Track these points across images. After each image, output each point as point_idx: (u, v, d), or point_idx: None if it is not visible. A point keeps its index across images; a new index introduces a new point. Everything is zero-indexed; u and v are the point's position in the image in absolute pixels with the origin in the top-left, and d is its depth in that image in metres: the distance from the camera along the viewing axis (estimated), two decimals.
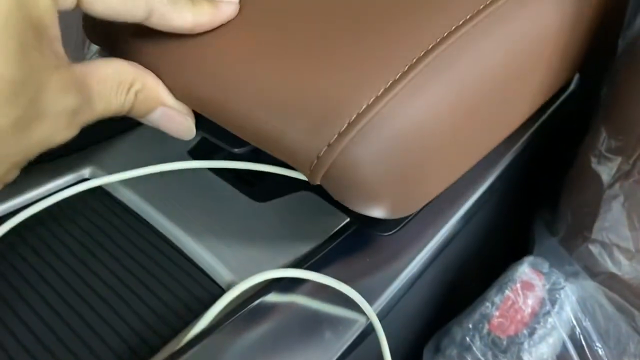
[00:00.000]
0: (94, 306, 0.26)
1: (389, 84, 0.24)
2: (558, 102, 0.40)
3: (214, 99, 0.26)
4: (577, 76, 0.41)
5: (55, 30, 0.21)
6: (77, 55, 0.50)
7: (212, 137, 0.28)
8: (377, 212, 0.26)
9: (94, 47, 0.50)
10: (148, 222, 0.30)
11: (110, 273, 0.28)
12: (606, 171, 0.35)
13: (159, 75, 0.27)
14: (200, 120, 0.27)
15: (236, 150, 0.28)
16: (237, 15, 0.28)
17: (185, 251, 0.29)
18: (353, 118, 0.23)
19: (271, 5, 0.28)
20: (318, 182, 0.24)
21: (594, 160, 0.36)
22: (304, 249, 0.29)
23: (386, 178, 0.25)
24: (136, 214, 0.31)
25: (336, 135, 0.23)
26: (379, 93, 0.23)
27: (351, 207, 0.26)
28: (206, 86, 0.26)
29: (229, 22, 0.28)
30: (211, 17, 0.26)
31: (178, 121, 0.27)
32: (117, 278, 0.28)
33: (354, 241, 0.28)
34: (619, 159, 0.34)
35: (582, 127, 0.39)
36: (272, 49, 0.26)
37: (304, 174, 0.24)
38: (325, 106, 0.23)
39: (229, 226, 0.30)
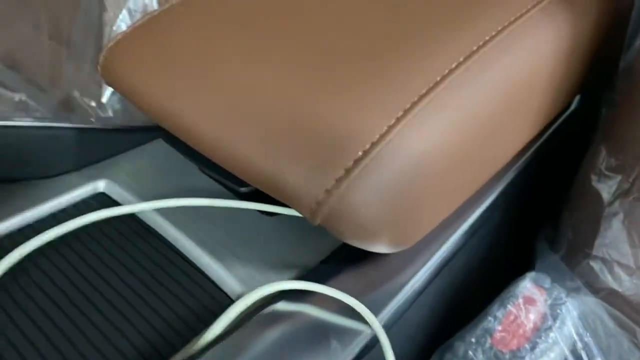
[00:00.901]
0: (107, 315, 0.27)
1: (385, 128, 0.25)
2: (559, 121, 0.41)
3: (218, 143, 0.27)
4: (577, 96, 0.42)
5: None
6: (92, 68, 0.50)
7: (219, 177, 0.29)
8: (377, 248, 0.28)
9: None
10: (160, 235, 0.31)
11: (122, 283, 0.29)
12: (606, 189, 0.36)
13: (167, 116, 0.28)
14: (208, 161, 0.28)
15: (242, 189, 0.29)
16: (240, 56, 0.29)
17: (196, 263, 0.30)
18: (350, 165, 0.24)
19: (271, 46, 0.29)
20: (318, 224, 0.25)
21: (594, 178, 0.37)
22: (311, 261, 0.30)
23: (383, 219, 0.26)
24: (148, 226, 0.32)
25: (334, 182, 0.24)
26: (375, 139, 0.24)
27: (352, 244, 0.27)
28: (211, 130, 0.27)
29: (232, 66, 0.29)
30: None
31: None
32: (130, 288, 0.29)
33: (359, 255, 0.29)
34: (618, 177, 0.35)
35: (582, 145, 0.40)
36: (269, 94, 0.27)
37: (305, 216, 0.26)
38: (323, 152, 0.24)
39: (238, 239, 0.31)
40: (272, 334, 0.25)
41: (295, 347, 0.25)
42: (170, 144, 0.31)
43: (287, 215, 0.31)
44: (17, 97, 0.70)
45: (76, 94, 0.49)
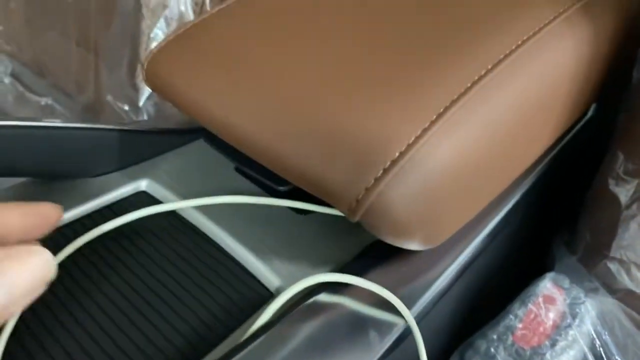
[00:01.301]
0: (154, 305, 0.29)
1: (419, 131, 0.27)
2: (577, 128, 0.43)
3: (262, 143, 0.29)
4: (594, 104, 0.44)
5: None
6: (128, 74, 0.52)
7: (259, 176, 0.31)
8: (409, 245, 0.29)
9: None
10: (200, 231, 0.33)
11: (166, 275, 0.30)
12: (624, 192, 0.37)
13: (210, 117, 0.30)
14: (248, 160, 0.30)
15: (281, 188, 0.31)
16: (280, 60, 0.31)
17: (236, 257, 0.31)
18: (388, 164, 0.26)
19: (310, 52, 0.31)
20: (356, 220, 0.27)
21: (612, 182, 0.38)
22: (342, 258, 0.31)
23: (416, 216, 0.27)
24: (189, 223, 0.33)
25: (373, 181, 0.26)
26: (411, 141, 0.26)
27: (386, 241, 0.29)
28: (255, 131, 0.29)
29: (275, 68, 0.31)
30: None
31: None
32: (173, 279, 0.30)
33: (391, 251, 0.31)
34: (636, 181, 0.37)
35: (599, 151, 0.41)
36: (311, 97, 0.29)
37: (344, 214, 0.27)
38: (362, 153, 0.26)
39: (273, 236, 0.33)
40: (315, 323, 0.27)
41: (336, 336, 0.27)
42: (211, 144, 0.33)
43: (320, 213, 0.33)
44: (43, 101, 0.72)
45: (109, 98, 0.51)
